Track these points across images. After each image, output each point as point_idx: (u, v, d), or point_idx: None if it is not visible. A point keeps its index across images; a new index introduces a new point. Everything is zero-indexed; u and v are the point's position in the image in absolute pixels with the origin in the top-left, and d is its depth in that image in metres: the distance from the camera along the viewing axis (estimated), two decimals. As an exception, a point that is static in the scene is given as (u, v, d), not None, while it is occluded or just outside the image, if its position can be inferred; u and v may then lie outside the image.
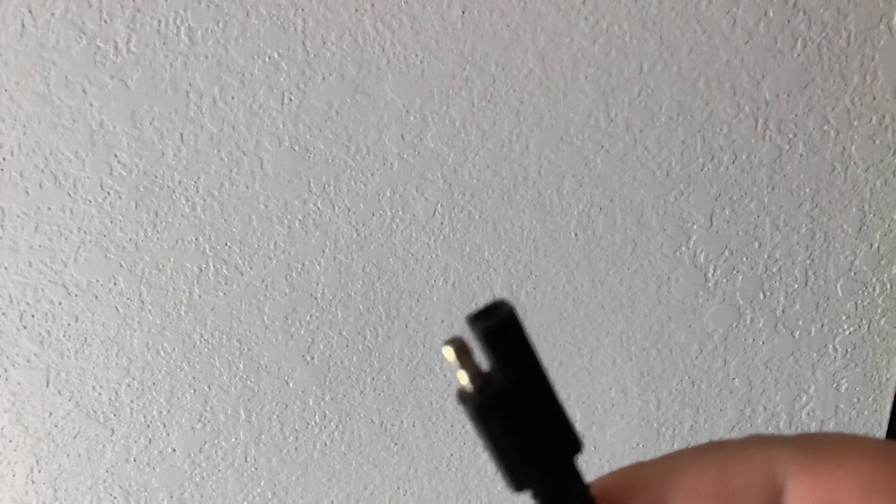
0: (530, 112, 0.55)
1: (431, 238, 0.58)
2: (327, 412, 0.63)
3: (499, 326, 0.14)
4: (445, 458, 0.65)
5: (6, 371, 0.61)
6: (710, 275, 0.60)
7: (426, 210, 0.57)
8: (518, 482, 0.15)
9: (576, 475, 0.15)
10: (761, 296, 0.61)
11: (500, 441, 0.14)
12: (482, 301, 0.60)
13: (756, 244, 0.59)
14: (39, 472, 0.64)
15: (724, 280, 0.60)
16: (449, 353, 0.14)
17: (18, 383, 0.62)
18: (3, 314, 0.60)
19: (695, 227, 0.59)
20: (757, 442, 0.16)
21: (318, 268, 0.59)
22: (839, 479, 0.15)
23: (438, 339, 0.62)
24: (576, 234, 0.58)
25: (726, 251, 0.60)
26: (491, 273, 0.59)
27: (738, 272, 0.60)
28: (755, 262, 0.60)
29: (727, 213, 0.58)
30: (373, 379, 0.63)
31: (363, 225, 0.58)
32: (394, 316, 0.61)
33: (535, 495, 0.15)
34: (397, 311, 0.61)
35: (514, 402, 0.14)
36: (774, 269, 0.60)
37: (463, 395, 0.14)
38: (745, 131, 0.56)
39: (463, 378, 0.14)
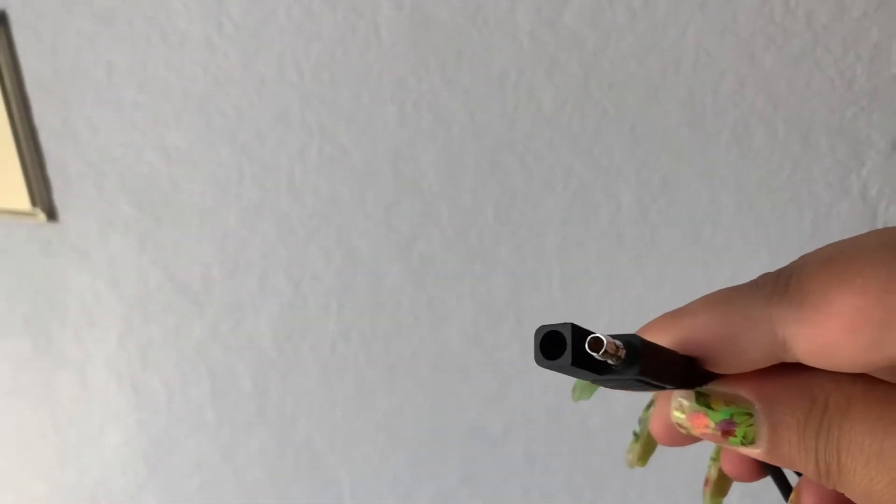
0: (693, -9, 0.46)
1: (556, 134, 0.52)
2: (421, 316, 0.59)
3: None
4: (541, 385, 0.60)
5: (103, 232, 0.60)
6: (880, 212, 0.51)
7: (555, 100, 0.51)
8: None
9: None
10: (941, 243, 0.51)
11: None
12: (605, 213, 0.54)
13: (946, 180, 0.50)
14: (130, 339, 0.64)
15: (898, 220, 0.51)
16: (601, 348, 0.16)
17: (115, 247, 0.60)
18: (105, 174, 0.58)
19: (872, 152, 0.49)
20: (762, 296, 0.17)
21: (427, 157, 0.54)
22: (827, 325, 0.16)
23: (549, 251, 0.56)
24: (727, 147, 0.50)
25: (907, 185, 0.50)
26: (620, 182, 0.52)
27: (917, 212, 0.51)
28: (941, 202, 0.50)
29: (916, 138, 0.49)
30: (472, 287, 0.57)
31: (481, 112, 0.52)
32: (503, 220, 0.55)
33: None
34: (507, 214, 0.55)
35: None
36: (964, 213, 0.51)
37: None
38: (959, 37, 0.46)
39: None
